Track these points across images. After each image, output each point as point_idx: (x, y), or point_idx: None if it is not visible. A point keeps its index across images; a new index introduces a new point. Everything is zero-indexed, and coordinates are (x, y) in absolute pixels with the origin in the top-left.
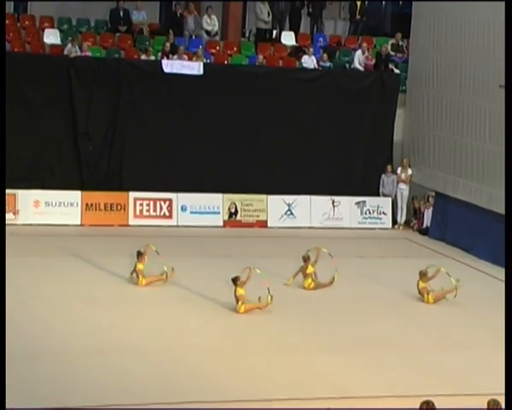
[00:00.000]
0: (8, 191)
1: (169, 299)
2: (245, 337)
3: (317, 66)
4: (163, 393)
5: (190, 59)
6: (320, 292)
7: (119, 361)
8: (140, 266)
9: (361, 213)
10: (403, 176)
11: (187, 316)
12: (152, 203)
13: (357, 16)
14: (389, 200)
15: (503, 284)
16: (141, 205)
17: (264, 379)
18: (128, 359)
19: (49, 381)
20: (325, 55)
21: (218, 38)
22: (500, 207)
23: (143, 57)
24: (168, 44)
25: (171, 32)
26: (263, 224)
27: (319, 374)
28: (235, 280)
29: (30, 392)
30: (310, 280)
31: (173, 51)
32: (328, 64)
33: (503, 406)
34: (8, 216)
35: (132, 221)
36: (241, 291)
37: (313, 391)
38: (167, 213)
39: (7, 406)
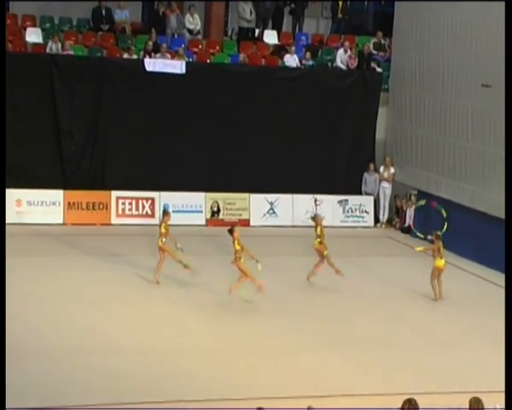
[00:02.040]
0: None
1: (156, 299)
2: (230, 337)
3: (299, 64)
4: (151, 392)
5: (173, 58)
6: (303, 292)
7: (108, 361)
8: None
9: (343, 212)
10: (385, 174)
11: (173, 316)
12: (134, 202)
13: (340, 15)
14: (371, 198)
15: (487, 282)
16: (123, 204)
17: (249, 378)
18: (116, 359)
19: (37, 381)
20: (308, 54)
21: (200, 36)
22: (482, 206)
23: (126, 56)
24: (150, 43)
25: (153, 30)
26: (245, 222)
27: (304, 373)
28: (231, 231)
29: (17, 392)
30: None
31: (156, 50)
32: (311, 63)
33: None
34: None
35: (115, 220)
36: (237, 247)
37: (298, 390)
38: (150, 212)
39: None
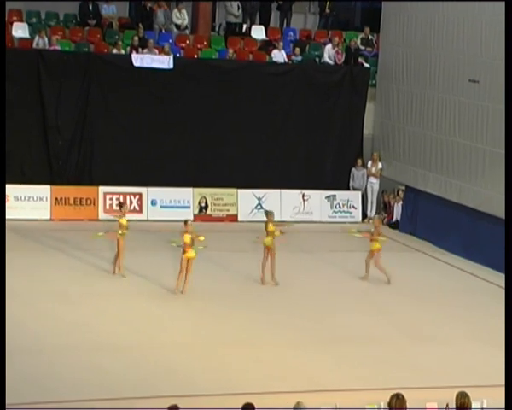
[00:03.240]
0: None
1: (140, 294)
2: (217, 332)
3: (286, 60)
4: (136, 388)
5: (160, 53)
6: (291, 286)
7: (93, 357)
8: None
9: (331, 207)
10: (373, 170)
11: (159, 311)
12: (122, 197)
13: (327, 10)
14: (359, 194)
15: (474, 277)
16: (111, 199)
17: (237, 373)
18: (101, 355)
19: (22, 378)
20: (297, 49)
21: (187, 31)
22: (470, 201)
23: (115, 51)
24: (137, 38)
25: (140, 25)
26: (233, 218)
27: (291, 368)
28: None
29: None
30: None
31: (142, 45)
32: (299, 58)
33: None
34: None
35: (102, 216)
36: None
37: (285, 385)
38: (137, 208)
39: None
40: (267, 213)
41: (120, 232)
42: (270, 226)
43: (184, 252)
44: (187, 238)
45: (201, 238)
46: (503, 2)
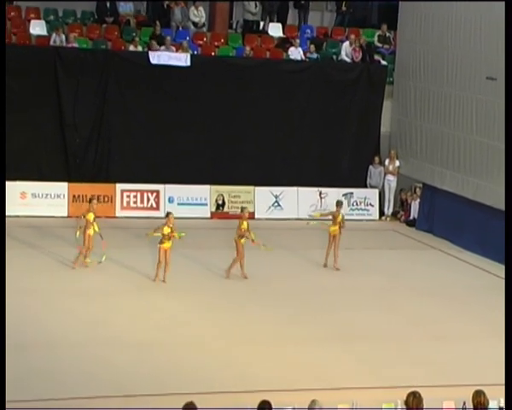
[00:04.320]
0: None
1: (156, 292)
2: (230, 329)
3: (303, 57)
4: (151, 385)
5: (177, 50)
6: (307, 283)
7: (109, 353)
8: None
9: (348, 205)
10: (390, 168)
11: (173, 309)
12: (139, 195)
13: (344, 8)
14: (376, 191)
15: (490, 275)
16: (128, 197)
17: (252, 371)
18: (117, 351)
19: (36, 373)
20: (312, 47)
21: (205, 29)
22: (486, 199)
23: (131, 48)
24: (154, 42)
25: (157, 23)
26: (250, 215)
27: (304, 365)
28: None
29: (20, 384)
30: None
31: (160, 42)
32: (315, 56)
33: (487, 396)
34: None
35: (119, 213)
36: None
37: (300, 383)
38: (154, 205)
39: None
40: (242, 209)
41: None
42: (245, 225)
43: (161, 243)
44: (166, 230)
45: (182, 234)
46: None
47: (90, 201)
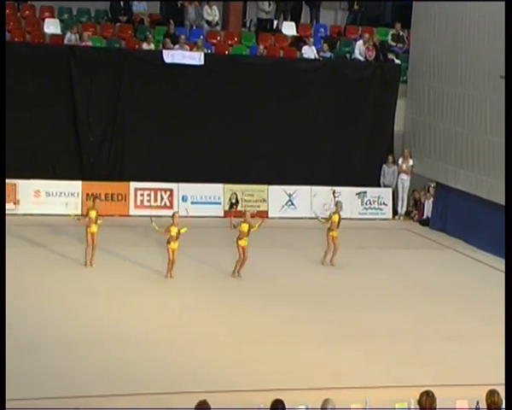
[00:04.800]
0: (8, 181)
1: (165, 290)
2: (244, 327)
3: (317, 56)
4: (161, 383)
5: (191, 49)
6: (319, 281)
7: (120, 352)
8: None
9: (362, 204)
10: (404, 167)
11: (183, 307)
12: (153, 193)
13: (356, 6)
14: (390, 190)
15: (504, 274)
16: (141, 195)
17: (260, 369)
18: (128, 349)
19: (48, 371)
20: (325, 46)
21: (218, 28)
22: (500, 198)
23: (145, 46)
24: (168, 40)
25: (171, 22)
26: (264, 214)
27: (316, 364)
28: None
29: (31, 381)
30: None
31: (174, 41)
32: (328, 54)
33: (503, 396)
34: (9, 206)
35: (133, 211)
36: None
37: (314, 382)
38: (168, 204)
39: (8, 396)
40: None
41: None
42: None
43: (169, 243)
44: (173, 230)
45: (184, 230)
46: None
47: (94, 199)
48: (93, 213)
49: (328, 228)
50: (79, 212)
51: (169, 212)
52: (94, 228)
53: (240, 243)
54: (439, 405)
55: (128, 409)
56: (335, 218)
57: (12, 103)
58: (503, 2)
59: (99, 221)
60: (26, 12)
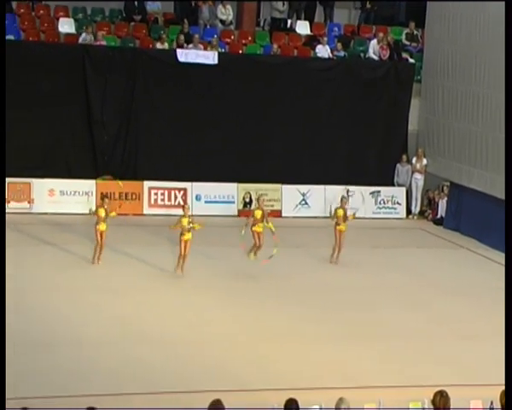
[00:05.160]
0: (23, 180)
1: (179, 289)
2: (259, 326)
3: (331, 55)
4: (176, 382)
5: (205, 48)
6: (333, 281)
7: (135, 350)
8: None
9: (375, 203)
10: (418, 166)
11: (197, 306)
12: (166, 192)
13: (368, 6)
14: (404, 190)
15: None
16: (155, 194)
17: (274, 368)
18: (143, 348)
19: (63, 370)
20: (339, 45)
21: (232, 27)
22: None
23: (158, 45)
24: (182, 37)
25: (185, 21)
26: (277, 213)
27: (329, 363)
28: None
29: (43, 380)
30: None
31: (187, 40)
32: (342, 53)
33: None
34: (23, 205)
35: (147, 210)
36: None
37: (327, 381)
38: (182, 203)
39: (22, 395)
40: (258, 198)
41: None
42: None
43: (182, 234)
44: (184, 221)
45: (198, 227)
46: None
47: (103, 198)
48: (102, 212)
49: (336, 223)
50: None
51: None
52: (102, 226)
53: (255, 228)
54: (452, 405)
55: (143, 409)
56: (340, 212)
57: (27, 103)
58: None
59: (112, 214)
60: (41, 11)
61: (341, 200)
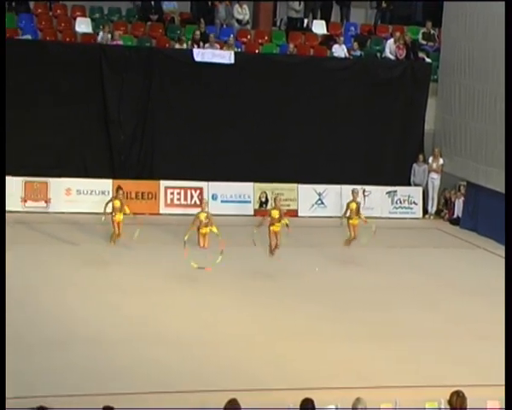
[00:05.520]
0: (40, 179)
1: (195, 288)
2: (275, 326)
3: (347, 55)
4: (192, 381)
5: (221, 48)
6: (349, 280)
7: (152, 350)
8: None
9: (392, 203)
10: (434, 165)
11: (213, 305)
12: (183, 192)
13: (384, 5)
14: (420, 189)
15: None
16: (172, 194)
17: (290, 367)
18: (160, 348)
19: (77, 369)
20: (356, 44)
21: (249, 26)
22: None
23: (177, 46)
24: (198, 32)
25: (202, 20)
26: (293, 213)
27: (345, 363)
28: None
29: (60, 379)
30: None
31: (204, 40)
32: (358, 53)
33: None
34: (40, 204)
35: (163, 210)
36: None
37: (339, 381)
38: (198, 202)
39: (38, 393)
40: (275, 199)
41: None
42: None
43: (199, 229)
44: (202, 216)
45: (214, 230)
46: None
47: (117, 189)
48: (117, 203)
49: (348, 217)
50: (110, 210)
51: (199, 210)
52: (119, 216)
53: (272, 228)
54: (469, 405)
55: (159, 409)
56: (353, 206)
57: (44, 102)
58: None
59: (127, 211)
60: (58, 11)
61: (352, 193)
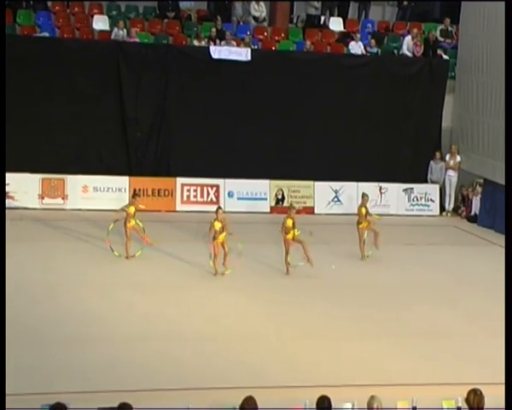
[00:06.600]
0: (57, 176)
1: (211, 286)
2: (289, 323)
3: (364, 52)
4: (207, 379)
5: (238, 45)
6: (366, 278)
7: (167, 348)
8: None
9: (408, 200)
10: (451, 163)
11: (229, 303)
12: (199, 189)
13: (405, 2)
14: (437, 187)
15: None
16: (188, 191)
17: (310, 366)
18: (175, 345)
19: (94, 366)
20: (373, 41)
21: (265, 24)
22: None
23: (196, 43)
24: (214, 30)
25: (218, 18)
26: (310, 210)
27: (361, 361)
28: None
29: (76, 376)
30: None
31: (220, 37)
32: (375, 50)
33: None
34: (57, 201)
35: (179, 207)
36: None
37: (359, 378)
38: (214, 199)
39: (55, 390)
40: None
41: (130, 221)
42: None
43: (215, 238)
44: (217, 225)
45: (229, 232)
46: None
47: (134, 196)
48: (132, 209)
49: (357, 221)
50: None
51: (215, 208)
52: (132, 222)
53: (287, 236)
54: (487, 404)
55: (176, 408)
56: (362, 211)
57: (61, 99)
58: None
59: (141, 206)
60: (76, 9)
61: (362, 197)
